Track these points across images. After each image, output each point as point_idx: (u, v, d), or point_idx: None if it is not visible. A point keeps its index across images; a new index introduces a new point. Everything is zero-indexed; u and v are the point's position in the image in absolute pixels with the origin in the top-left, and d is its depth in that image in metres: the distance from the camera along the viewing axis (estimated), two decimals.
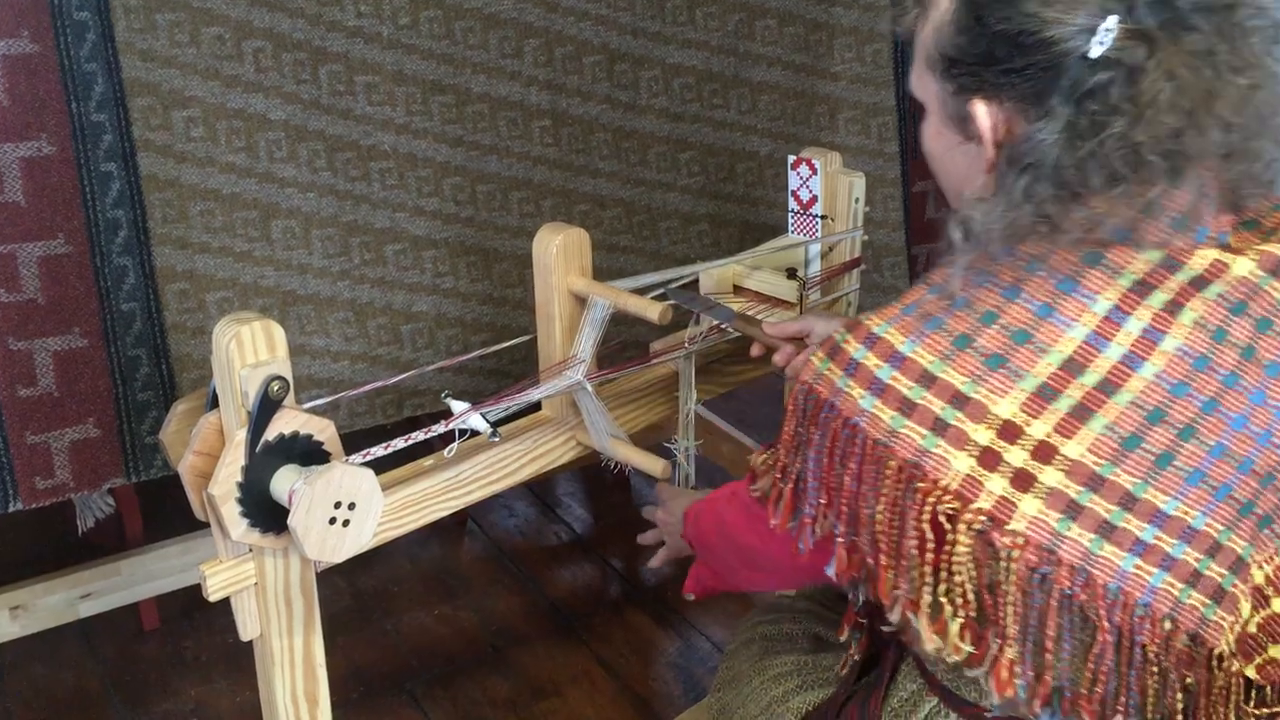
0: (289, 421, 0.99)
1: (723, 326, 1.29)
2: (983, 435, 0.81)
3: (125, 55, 1.29)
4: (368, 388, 1.19)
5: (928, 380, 0.82)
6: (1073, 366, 0.81)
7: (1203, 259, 0.83)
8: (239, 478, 0.97)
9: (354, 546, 1.00)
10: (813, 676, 1.11)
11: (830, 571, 0.87)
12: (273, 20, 1.37)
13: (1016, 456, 0.80)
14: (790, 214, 1.40)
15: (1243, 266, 0.83)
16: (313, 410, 1.01)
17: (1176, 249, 0.83)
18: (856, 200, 1.37)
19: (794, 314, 1.32)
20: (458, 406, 1.11)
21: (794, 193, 1.39)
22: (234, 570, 1.03)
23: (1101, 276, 0.82)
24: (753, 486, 0.95)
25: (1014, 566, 0.79)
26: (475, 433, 1.13)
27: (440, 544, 2.14)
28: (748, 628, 1.25)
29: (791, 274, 1.35)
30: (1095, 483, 0.80)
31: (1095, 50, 0.79)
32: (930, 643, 0.82)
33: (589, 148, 1.60)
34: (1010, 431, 0.80)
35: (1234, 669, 0.82)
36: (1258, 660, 0.84)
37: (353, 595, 2.01)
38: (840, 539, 0.86)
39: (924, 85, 0.91)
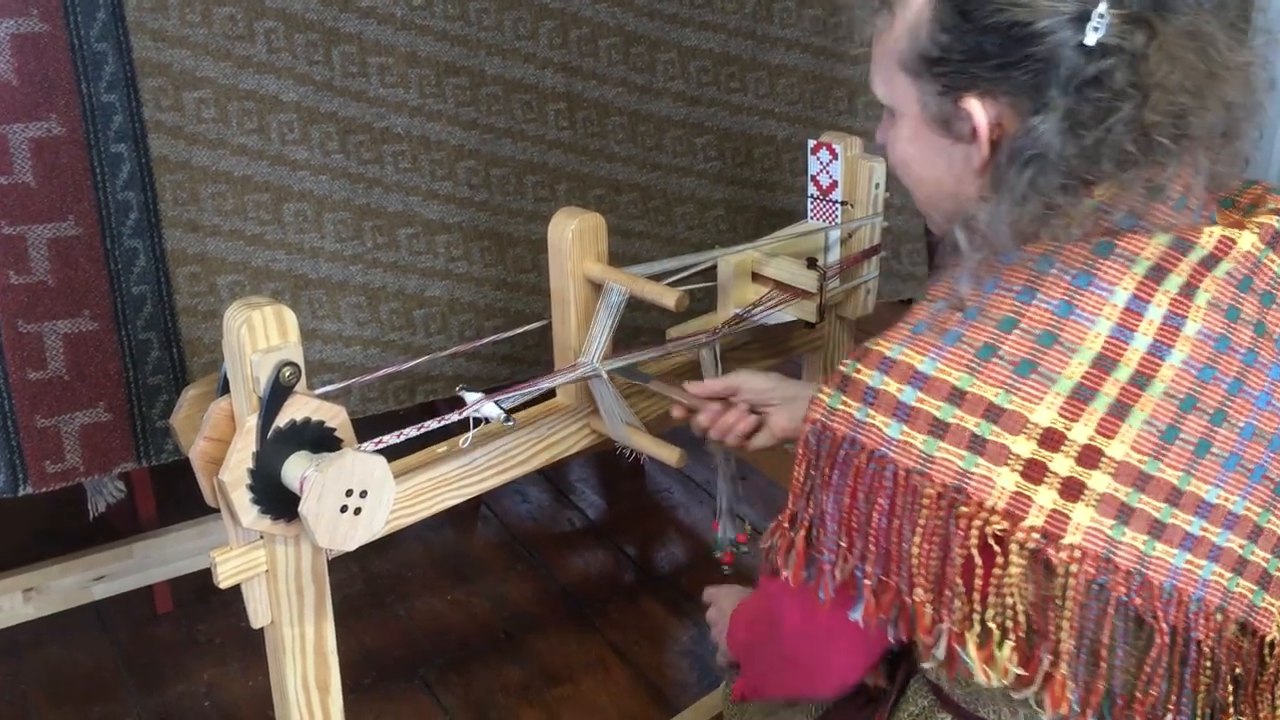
0: (300, 407, 0.98)
1: (649, 387, 1.24)
2: (1024, 447, 0.78)
3: (136, 35, 1.28)
4: (380, 373, 1.18)
5: (957, 397, 0.79)
6: (1105, 363, 0.79)
7: (1210, 237, 0.82)
8: (250, 464, 0.96)
9: (366, 534, 0.99)
10: None
11: (855, 616, 0.83)
12: (285, 0, 1.35)
13: (1062, 465, 0.77)
14: (809, 199, 1.38)
15: (1246, 240, 0.82)
16: (324, 396, 1.00)
17: (1183, 229, 0.82)
18: (877, 186, 1.35)
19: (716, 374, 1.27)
20: (472, 396, 1.10)
21: (813, 178, 1.36)
22: (245, 557, 1.02)
23: (1116, 266, 0.80)
24: (765, 554, 0.89)
25: (1072, 581, 0.76)
26: (489, 420, 1.12)
27: (453, 529, 2.14)
28: None
29: (811, 262, 1.33)
30: (1143, 481, 0.78)
31: (1091, 37, 0.78)
32: (982, 674, 0.79)
33: (604, 131, 1.58)
34: (1052, 439, 0.78)
35: None
36: None
37: (365, 580, 2.01)
38: (868, 581, 0.82)
39: (895, 88, 0.89)
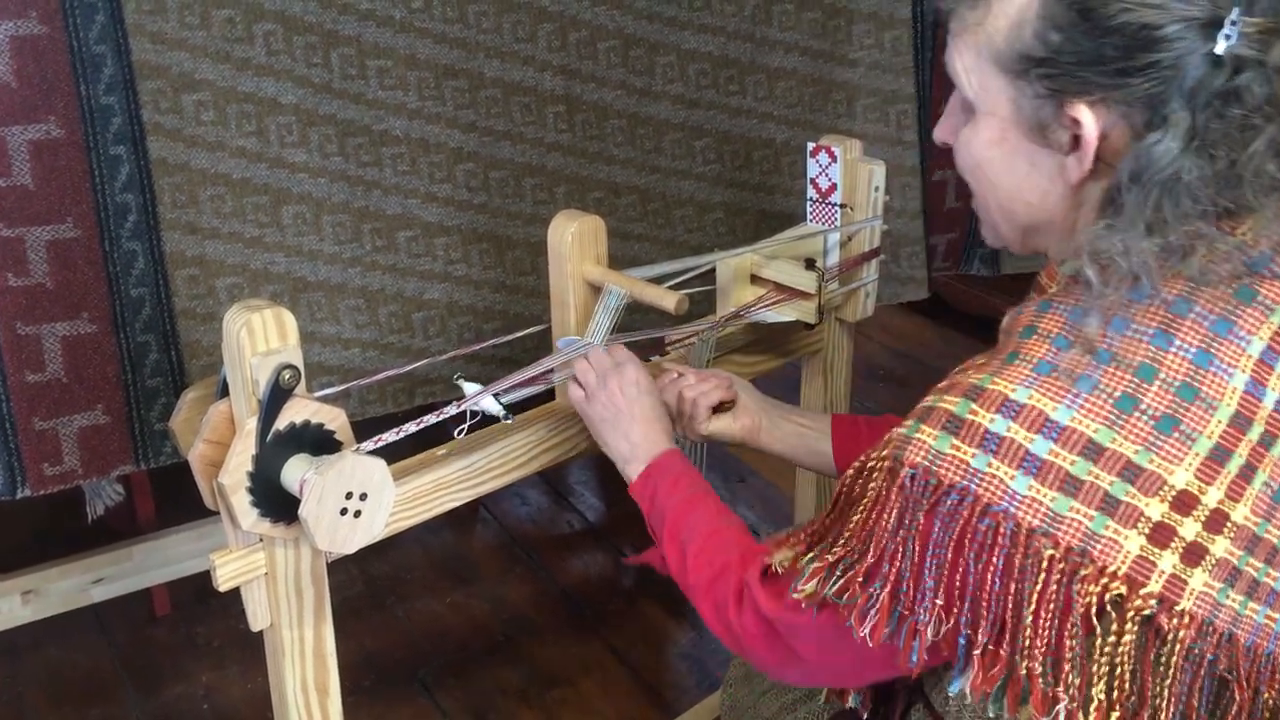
0: (300, 410, 0.97)
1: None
2: (1155, 509, 0.72)
3: (135, 37, 1.28)
4: (379, 376, 1.18)
5: (1094, 452, 0.72)
6: (1241, 422, 0.74)
7: None
8: (249, 467, 0.96)
9: (365, 537, 0.99)
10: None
11: (956, 688, 0.77)
12: (284, 3, 1.35)
13: (1190, 529, 0.72)
14: (808, 202, 1.38)
15: None
16: (324, 399, 1.00)
17: None
18: (876, 189, 1.35)
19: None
20: (470, 389, 1.10)
21: (812, 180, 1.37)
22: (244, 560, 1.02)
23: (1256, 314, 0.75)
24: (798, 587, 0.81)
25: (1178, 648, 0.72)
26: (488, 416, 1.11)
27: (452, 531, 2.14)
28: None
29: (810, 264, 1.33)
30: (1253, 544, 0.74)
31: (1220, 46, 0.71)
32: None
33: (603, 134, 1.58)
34: (1186, 502, 0.72)
35: None
36: None
37: (364, 582, 2.00)
38: (977, 650, 0.74)
39: (986, 86, 0.81)
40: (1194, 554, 0.72)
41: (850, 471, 0.82)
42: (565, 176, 1.57)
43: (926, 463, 0.74)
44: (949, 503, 0.73)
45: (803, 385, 1.54)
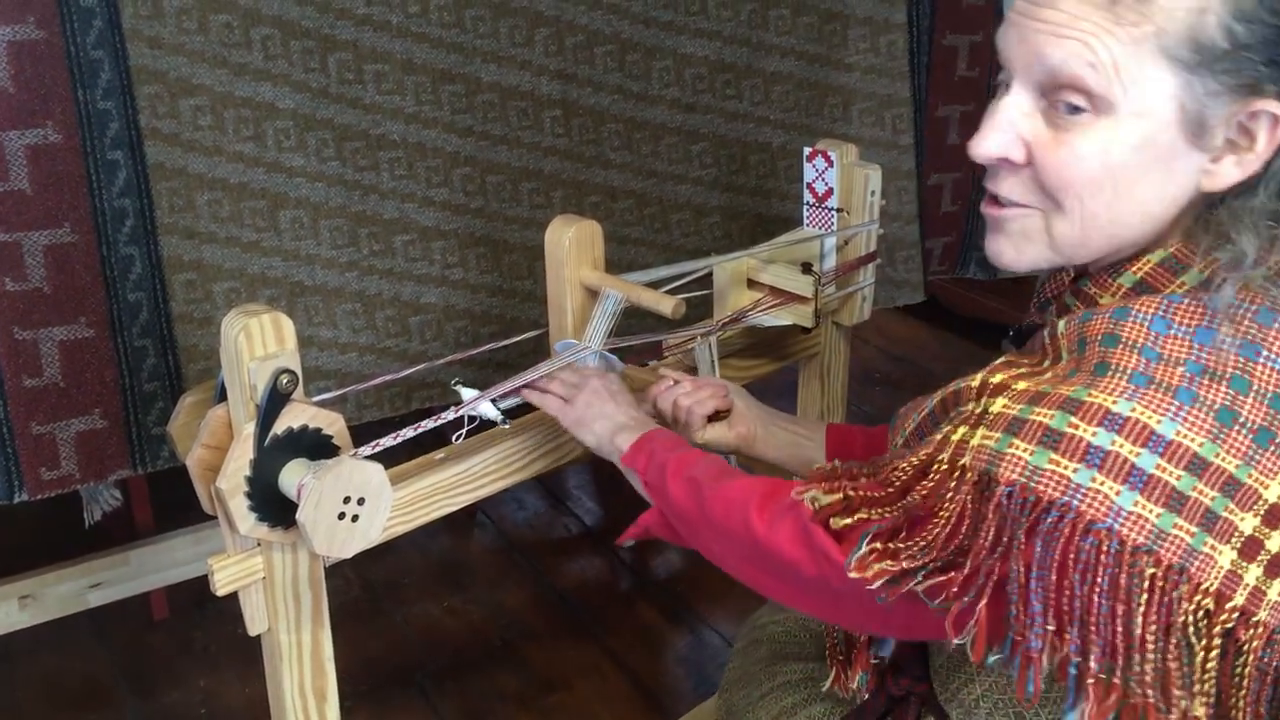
0: (298, 415, 0.98)
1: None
2: (1248, 524, 0.70)
3: (132, 42, 1.28)
4: (376, 381, 1.18)
5: (1199, 467, 0.70)
6: None
7: None
8: (247, 471, 0.96)
9: (363, 542, 0.99)
10: (821, 688, 1.09)
11: (1071, 719, 0.72)
12: (281, 7, 1.35)
13: (1276, 542, 0.71)
14: (805, 207, 1.39)
15: None
16: (320, 403, 1.00)
17: None
18: (872, 193, 1.36)
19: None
20: (468, 394, 1.10)
21: (809, 185, 1.37)
22: (242, 564, 1.02)
23: None
24: (854, 560, 0.76)
25: (1250, 659, 0.70)
26: (485, 420, 1.12)
27: (450, 536, 2.14)
28: (756, 627, 1.23)
29: (806, 268, 1.34)
30: None
31: None
32: None
33: (600, 138, 1.58)
34: (1275, 516, 0.71)
35: None
36: None
37: (362, 586, 2.00)
38: (1090, 680, 0.70)
39: (1142, 81, 0.73)
40: (1276, 565, 0.71)
41: (906, 466, 0.77)
42: (562, 181, 1.57)
43: (1024, 479, 0.71)
44: (1049, 520, 0.70)
45: (799, 389, 1.54)
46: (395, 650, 1.87)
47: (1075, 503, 0.70)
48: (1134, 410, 0.71)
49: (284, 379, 0.95)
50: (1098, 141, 0.75)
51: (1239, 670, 0.70)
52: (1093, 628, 0.70)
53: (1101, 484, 0.70)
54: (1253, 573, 0.70)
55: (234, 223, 1.38)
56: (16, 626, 1.69)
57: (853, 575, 0.76)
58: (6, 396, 1.28)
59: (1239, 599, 0.70)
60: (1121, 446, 0.70)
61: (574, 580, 2.05)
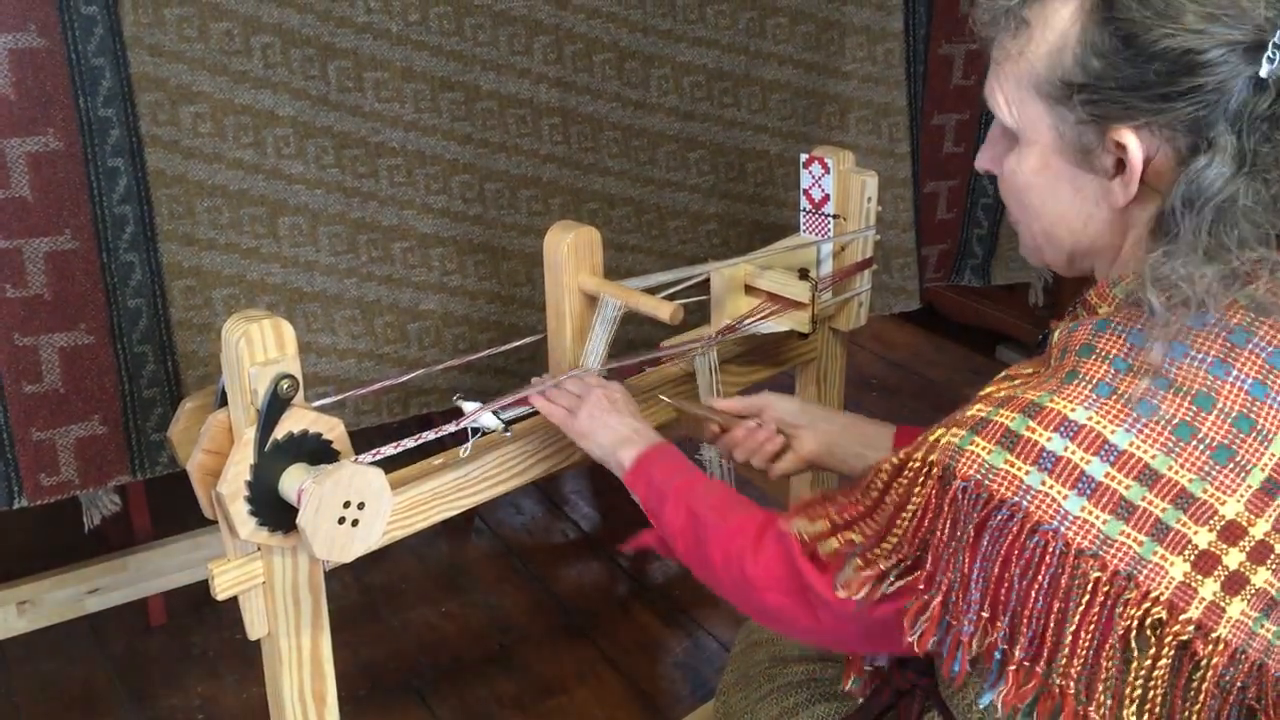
0: (298, 420, 0.98)
1: (667, 402, 1.24)
2: (1203, 538, 0.72)
3: (133, 50, 1.29)
4: (375, 386, 1.19)
5: (1150, 478, 0.72)
6: None
7: None
8: (248, 476, 0.97)
9: (363, 546, 0.99)
10: (822, 689, 1.10)
11: (987, 700, 0.76)
12: (282, 15, 1.36)
13: (1234, 559, 0.73)
14: (802, 213, 1.39)
15: None
16: (319, 408, 1.01)
17: None
18: (869, 200, 1.36)
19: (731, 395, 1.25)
20: (469, 406, 1.11)
21: (806, 191, 1.38)
22: (242, 569, 1.02)
23: None
24: (841, 581, 0.80)
25: (1209, 675, 0.72)
26: (486, 431, 1.12)
27: (448, 541, 2.14)
28: (754, 630, 1.24)
29: (803, 274, 1.35)
30: None
31: (1265, 69, 0.72)
32: None
33: (598, 146, 1.59)
34: (1233, 533, 0.73)
35: None
36: None
37: (360, 592, 2.01)
38: (1012, 666, 0.74)
39: (1027, 113, 0.81)
40: (1235, 583, 0.73)
41: (887, 467, 0.80)
42: (560, 188, 1.58)
43: (979, 476, 0.74)
44: (999, 518, 0.73)
45: (796, 394, 1.55)
46: (393, 655, 1.87)
47: (1025, 503, 0.73)
48: (1090, 419, 0.73)
49: (284, 384, 0.96)
50: (1013, 163, 0.85)
51: (1194, 684, 0.72)
52: (1024, 620, 0.73)
53: (1051, 487, 0.72)
54: (1209, 587, 0.72)
55: (233, 229, 1.39)
56: (14, 632, 1.69)
57: (840, 594, 0.80)
58: (7, 402, 1.29)
59: (1193, 612, 0.72)
60: (1073, 453, 0.73)
61: (571, 585, 2.05)
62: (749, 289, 1.37)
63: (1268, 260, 0.74)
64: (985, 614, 0.74)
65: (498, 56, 1.49)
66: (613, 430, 1.07)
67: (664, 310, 1.13)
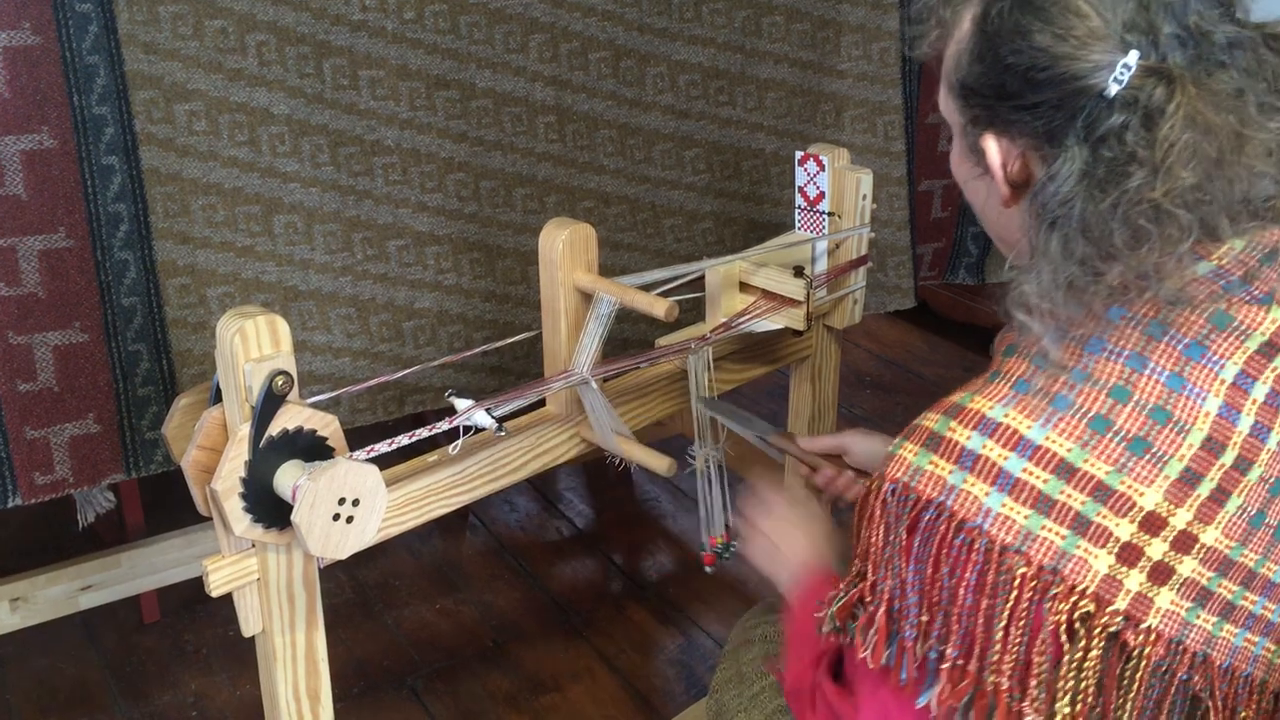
0: (293, 417, 0.98)
1: (760, 438, 1.23)
2: (1124, 529, 0.73)
3: (128, 48, 1.29)
4: (369, 384, 1.19)
5: (1066, 471, 0.73)
6: (1213, 446, 0.74)
7: None
8: (242, 473, 0.97)
9: (357, 543, 0.99)
10: None
11: (924, 700, 0.76)
12: (277, 13, 1.36)
13: (1157, 549, 0.73)
14: (796, 210, 1.40)
15: None
16: (314, 407, 1.01)
17: None
18: (864, 197, 1.37)
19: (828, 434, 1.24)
20: (462, 404, 1.11)
21: (801, 189, 1.38)
22: (236, 566, 1.03)
23: (1230, 339, 0.75)
24: (821, 623, 0.81)
25: (1143, 664, 0.73)
26: (480, 429, 1.12)
27: (442, 538, 2.14)
28: (748, 628, 1.24)
29: (798, 271, 1.35)
30: (1225, 566, 0.75)
31: (1112, 89, 0.73)
32: None
33: (594, 144, 1.59)
34: (1154, 523, 0.73)
35: None
36: None
37: (354, 589, 2.01)
38: (946, 665, 0.74)
39: (948, 108, 0.85)
40: (1160, 573, 0.74)
41: (864, 491, 0.82)
42: (555, 186, 1.58)
43: (906, 478, 0.76)
44: (926, 518, 0.74)
45: (791, 391, 1.55)
46: (387, 652, 1.87)
47: (949, 502, 0.74)
48: (1006, 415, 0.75)
49: (279, 381, 0.96)
50: (952, 155, 0.88)
51: (1128, 675, 0.73)
52: (955, 618, 0.74)
53: (972, 485, 0.73)
54: (1134, 578, 0.73)
55: (228, 228, 1.38)
56: (7, 629, 1.69)
57: (824, 626, 0.80)
58: (1, 401, 1.29)
59: (1120, 603, 0.73)
60: (991, 450, 0.74)
61: (565, 582, 2.05)
62: (744, 286, 1.37)
63: (1140, 269, 0.73)
64: (925, 617, 0.75)
65: (493, 55, 1.50)
66: (781, 570, 1.04)
67: (659, 307, 1.13)
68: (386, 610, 1.97)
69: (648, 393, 1.31)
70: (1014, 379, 0.77)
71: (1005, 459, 0.74)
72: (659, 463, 1.19)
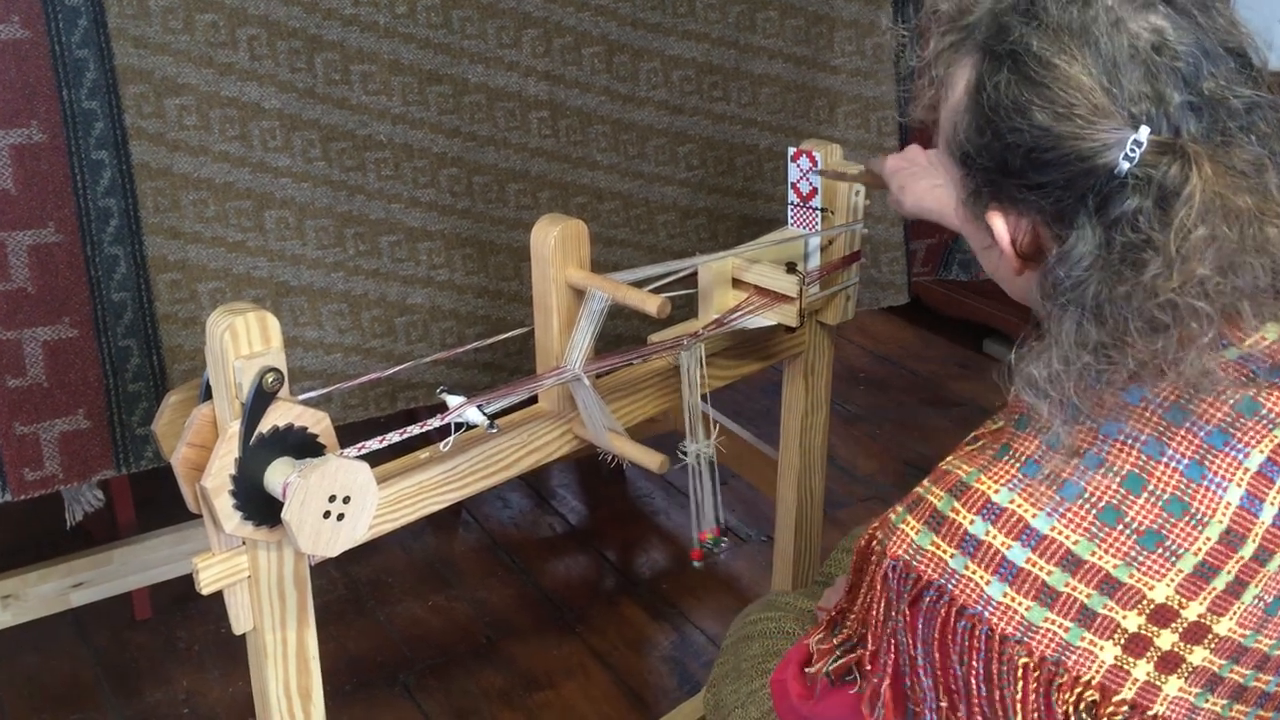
0: (283, 414, 0.98)
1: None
2: (1132, 621, 0.71)
3: (118, 42, 1.28)
4: (361, 380, 1.18)
5: (1072, 564, 0.71)
6: (1233, 539, 0.71)
7: None
8: (232, 470, 0.97)
9: (348, 540, 0.99)
10: None
11: None
12: (268, 7, 1.35)
13: (1166, 640, 0.71)
14: (789, 206, 1.39)
15: None
16: (306, 403, 1.00)
17: None
18: (857, 193, 1.37)
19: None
20: (454, 400, 1.10)
21: (793, 185, 1.38)
22: (227, 563, 1.02)
23: (1257, 427, 0.71)
24: (809, 669, 0.82)
25: None
26: (472, 426, 1.12)
27: (434, 535, 2.14)
28: (747, 624, 1.24)
29: (791, 268, 1.35)
30: (1239, 653, 0.73)
31: (1123, 166, 0.68)
32: None
33: (587, 140, 1.59)
34: (1164, 616, 0.71)
35: None
36: None
37: (346, 585, 2.00)
38: None
39: (949, 174, 0.80)
40: (1169, 662, 0.72)
41: (863, 543, 0.80)
42: (548, 182, 1.57)
43: (907, 556, 0.74)
44: (927, 599, 0.73)
45: (784, 388, 1.55)
46: (380, 649, 1.87)
47: (950, 586, 0.72)
48: (1012, 501, 0.72)
49: (269, 377, 0.95)
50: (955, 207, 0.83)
51: None
52: (976, 707, 0.73)
53: (973, 572, 0.72)
54: (1142, 668, 0.71)
55: (219, 223, 1.38)
56: None
57: (807, 671, 0.80)
58: None
59: (1127, 693, 0.71)
60: (994, 537, 0.72)
61: (558, 578, 2.05)
62: (736, 283, 1.37)
63: (1158, 359, 0.70)
64: (944, 703, 0.74)
65: (486, 49, 1.49)
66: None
67: (651, 304, 1.13)
68: (379, 607, 1.96)
69: (640, 389, 1.30)
70: (1024, 459, 0.74)
71: (1008, 548, 0.71)
72: (651, 459, 1.19)
